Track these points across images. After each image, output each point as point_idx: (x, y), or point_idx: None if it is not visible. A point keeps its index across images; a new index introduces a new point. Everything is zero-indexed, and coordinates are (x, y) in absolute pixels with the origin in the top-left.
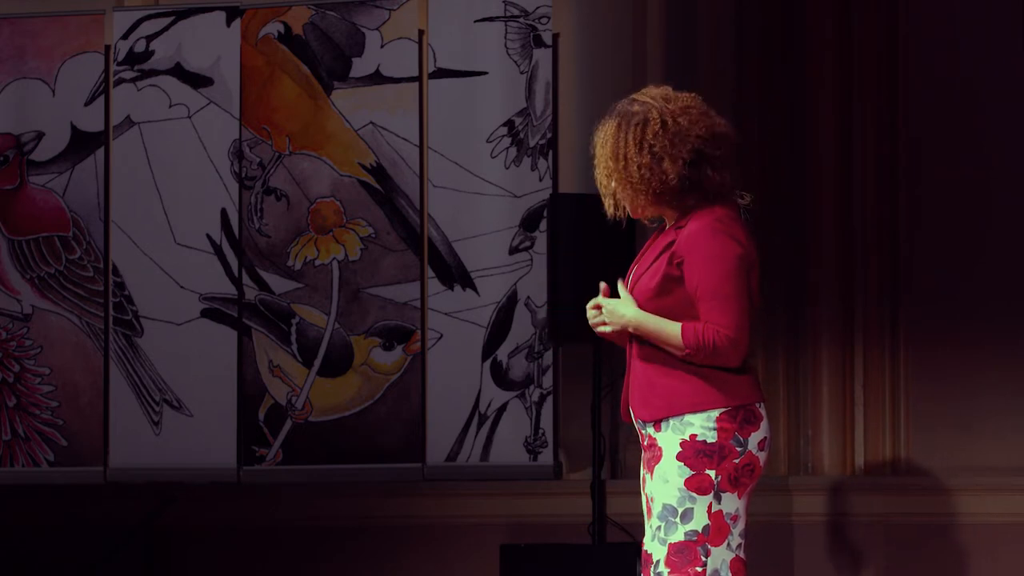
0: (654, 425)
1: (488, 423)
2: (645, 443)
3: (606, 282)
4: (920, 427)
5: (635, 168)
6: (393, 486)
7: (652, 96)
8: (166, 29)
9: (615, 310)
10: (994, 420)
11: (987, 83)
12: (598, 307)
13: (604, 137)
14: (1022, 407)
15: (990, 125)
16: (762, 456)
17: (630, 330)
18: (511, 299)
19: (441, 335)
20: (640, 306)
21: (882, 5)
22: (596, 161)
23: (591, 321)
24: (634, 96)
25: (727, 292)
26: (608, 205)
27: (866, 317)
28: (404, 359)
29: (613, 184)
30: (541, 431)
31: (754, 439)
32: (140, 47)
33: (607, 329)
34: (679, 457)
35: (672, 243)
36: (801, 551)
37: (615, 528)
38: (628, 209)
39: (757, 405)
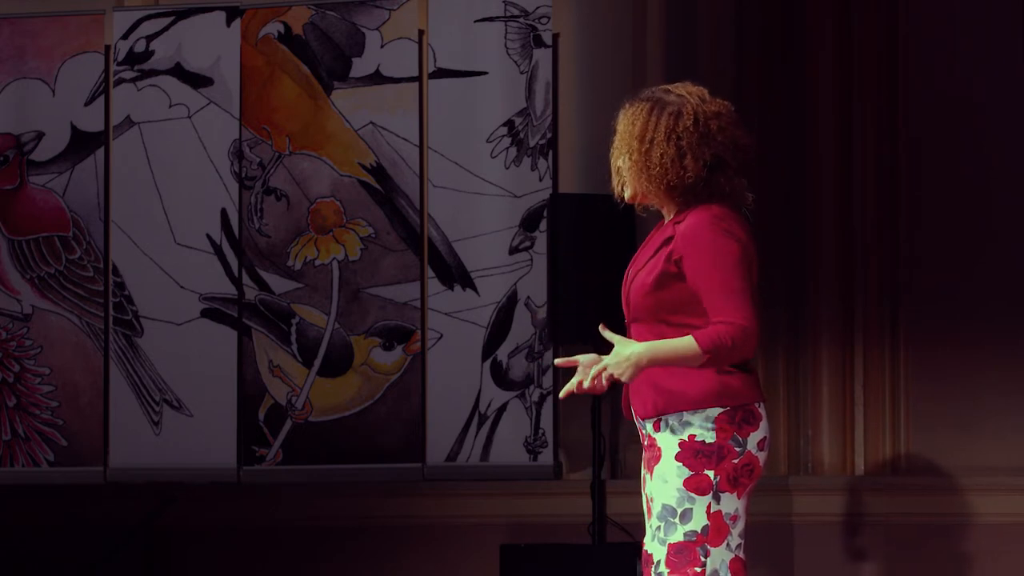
0: (653, 424)
1: (488, 423)
2: (645, 443)
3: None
4: (920, 427)
5: (657, 155)
6: (393, 486)
7: (689, 92)
8: (166, 29)
9: (622, 357)
10: (994, 420)
11: (987, 83)
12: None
13: (633, 117)
14: (1022, 407)
15: (990, 125)
16: (762, 456)
17: (648, 363)
18: (511, 299)
19: (441, 335)
20: (638, 302)
21: (882, 5)
22: (617, 139)
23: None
24: (669, 87)
25: (733, 286)
26: (616, 183)
27: (866, 317)
28: (404, 359)
29: (629, 164)
30: (541, 431)
31: (753, 439)
32: (140, 47)
33: (626, 378)
34: (678, 457)
35: (670, 239)
36: (801, 551)
37: (615, 528)
38: (630, 193)
39: (756, 405)
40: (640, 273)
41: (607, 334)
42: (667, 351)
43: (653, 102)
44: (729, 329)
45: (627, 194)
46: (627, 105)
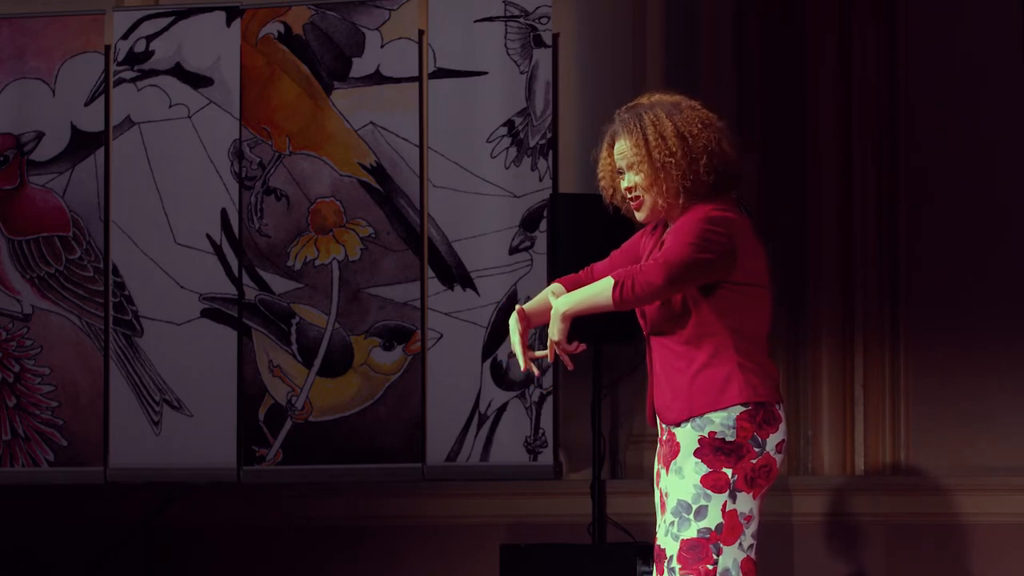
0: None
1: (488, 423)
2: (664, 437)
3: None
4: (920, 427)
5: (703, 144)
6: (393, 486)
7: (653, 97)
8: (166, 29)
9: (551, 319)
10: (994, 420)
11: (987, 83)
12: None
13: (635, 136)
14: (1021, 407)
15: (991, 124)
16: (779, 459)
17: (567, 312)
18: (511, 299)
19: (441, 335)
20: (654, 315)
21: (882, 5)
22: (623, 162)
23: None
24: (632, 105)
25: (675, 243)
26: (637, 207)
27: (866, 317)
28: (404, 359)
29: (651, 174)
30: (541, 431)
31: (772, 440)
32: (140, 47)
33: (556, 334)
34: (697, 454)
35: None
36: (801, 551)
37: (615, 528)
38: (648, 211)
39: (776, 406)
40: None
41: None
42: (581, 292)
43: (658, 107)
44: (645, 263)
45: (643, 214)
46: (620, 132)
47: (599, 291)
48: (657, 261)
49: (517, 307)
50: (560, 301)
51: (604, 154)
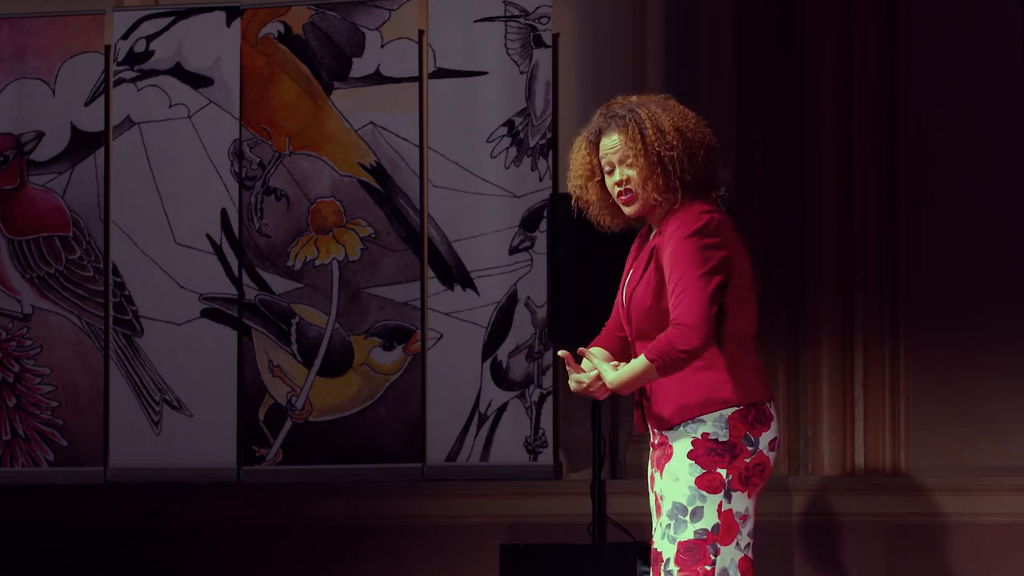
0: None
1: (488, 423)
2: (656, 440)
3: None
4: (920, 427)
5: (699, 139)
6: (393, 486)
7: (635, 97)
8: (166, 29)
9: (602, 382)
10: (994, 420)
11: (987, 83)
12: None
13: (652, 117)
14: (1021, 407)
15: (991, 124)
16: (772, 456)
17: (623, 391)
18: (511, 299)
19: (441, 335)
20: (641, 319)
21: (882, 5)
22: (615, 157)
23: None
24: (615, 105)
25: (687, 283)
26: (629, 205)
27: (866, 317)
28: (404, 359)
29: (645, 167)
30: (541, 431)
31: (765, 439)
32: (140, 47)
33: (599, 396)
34: (690, 455)
35: (655, 249)
36: (801, 551)
37: (615, 528)
38: (639, 205)
39: (768, 404)
40: (637, 289)
41: (597, 363)
42: (628, 374)
43: (652, 104)
44: (672, 332)
45: (634, 208)
46: (609, 128)
47: (645, 372)
48: (679, 326)
49: (563, 354)
50: (612, 379)
51: (584, 152)
